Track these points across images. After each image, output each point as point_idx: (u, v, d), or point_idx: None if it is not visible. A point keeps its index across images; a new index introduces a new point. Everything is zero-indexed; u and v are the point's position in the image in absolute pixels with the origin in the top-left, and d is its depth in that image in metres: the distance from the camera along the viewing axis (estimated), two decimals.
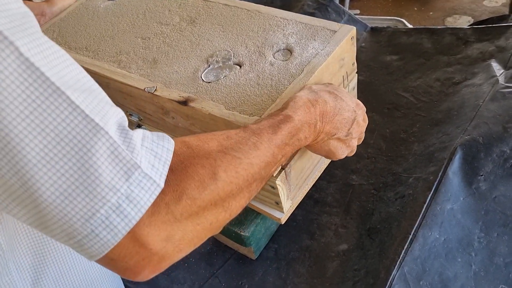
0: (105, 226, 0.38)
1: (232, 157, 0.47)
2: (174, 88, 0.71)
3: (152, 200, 0.40)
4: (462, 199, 0.79)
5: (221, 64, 0.73)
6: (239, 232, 0.77)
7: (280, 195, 0.68)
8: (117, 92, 0.78)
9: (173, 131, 0.77)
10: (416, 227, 0.75)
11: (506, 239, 0.76)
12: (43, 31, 0.89)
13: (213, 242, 0.88)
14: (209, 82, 0.71)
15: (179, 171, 0.43)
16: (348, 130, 0.63)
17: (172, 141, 0.44)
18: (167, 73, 0.74)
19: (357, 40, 1.24)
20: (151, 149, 0.41)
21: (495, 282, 0.73)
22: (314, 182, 0.79)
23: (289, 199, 0.72)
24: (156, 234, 0.40)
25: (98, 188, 0.37)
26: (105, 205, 0.37)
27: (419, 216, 0.77)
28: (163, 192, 0.41)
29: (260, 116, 0.64)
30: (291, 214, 0.76)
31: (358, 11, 2.44)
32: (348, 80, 0.77)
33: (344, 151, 0.66)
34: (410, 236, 0.75)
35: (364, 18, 1.40)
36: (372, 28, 1.27)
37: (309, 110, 0.58)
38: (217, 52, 0.75)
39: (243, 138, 0.51)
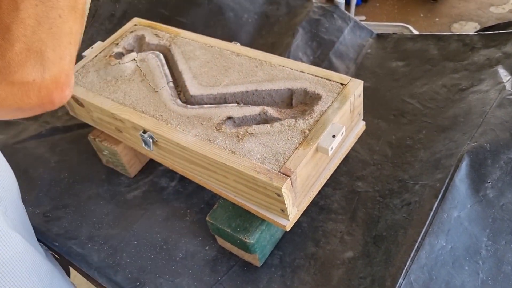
0: None
1: None
2: None
3: None
4: (469, 206, 0.78)
5: None
6: (243, 239, 0.77)
7: (285, 203, 0.68)
8: None
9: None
10: (423, 234, 0.75)
11: None
12: None
13: (217, 249, 0.87)
14: None
15: None
16: None
17: None
18: None
19: (363, 46, 1.25)
20: None
21: None
22: (319, 189, 0.79)
23: (294, 206, 0.72)
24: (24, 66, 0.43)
25: None
26: None
27: (425, 224, 0.76)
28: None
29: None
30: (296, 221, 0.76)
31: (364, 17, 2.43)
32: None
33: None
34: (417, 244, 0.74)
35: (370, 24, 1.40)
36: (378, 35, 1.27)
37: None
38: None
39: None
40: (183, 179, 0.99)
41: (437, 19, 2.32)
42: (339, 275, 0.80)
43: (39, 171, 1.08)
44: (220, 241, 0.86)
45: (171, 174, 1.02)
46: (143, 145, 0.83)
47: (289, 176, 0.66)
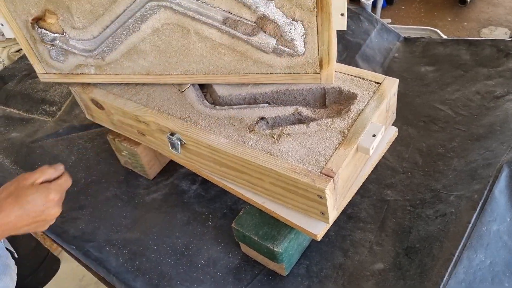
0: None
1: None
2: None
3: None
4: (509, 220, 0.75)
5: None
6: (271, 247, 0.73)
7: (327, 205, 0.65)
8: None
9: None
10: (461, 248, 0.71)
11: None
12: None
13: (241, 256, 0.84)
14: None
15: None
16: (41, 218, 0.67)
17: None
18: None
19: (390, 50, 1.21)
20: None
21: None
22: (357, 189, 0.76)
23: (334, 208, 0.69)
24: None
25: None
26: None
27: (463, 237, 0.72)
28: None
29: None
30: None
31: (389, 20, 2.37)
32: None
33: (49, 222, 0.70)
34: (454, 258, 0.70)
35: (396, 27, 1.37)
36: (405, 38, 1.24)
37: None
38: None
39: None
40: (205, 182, 0.96)
41: (465, 24, 2.26)
42: (369, 287, 0.76)
43: None
44: (244, 248, 0.83)
45: (192, 176, 0.99)
46: (170, 148, 0.80)
47: (331, 177, 0.63)
